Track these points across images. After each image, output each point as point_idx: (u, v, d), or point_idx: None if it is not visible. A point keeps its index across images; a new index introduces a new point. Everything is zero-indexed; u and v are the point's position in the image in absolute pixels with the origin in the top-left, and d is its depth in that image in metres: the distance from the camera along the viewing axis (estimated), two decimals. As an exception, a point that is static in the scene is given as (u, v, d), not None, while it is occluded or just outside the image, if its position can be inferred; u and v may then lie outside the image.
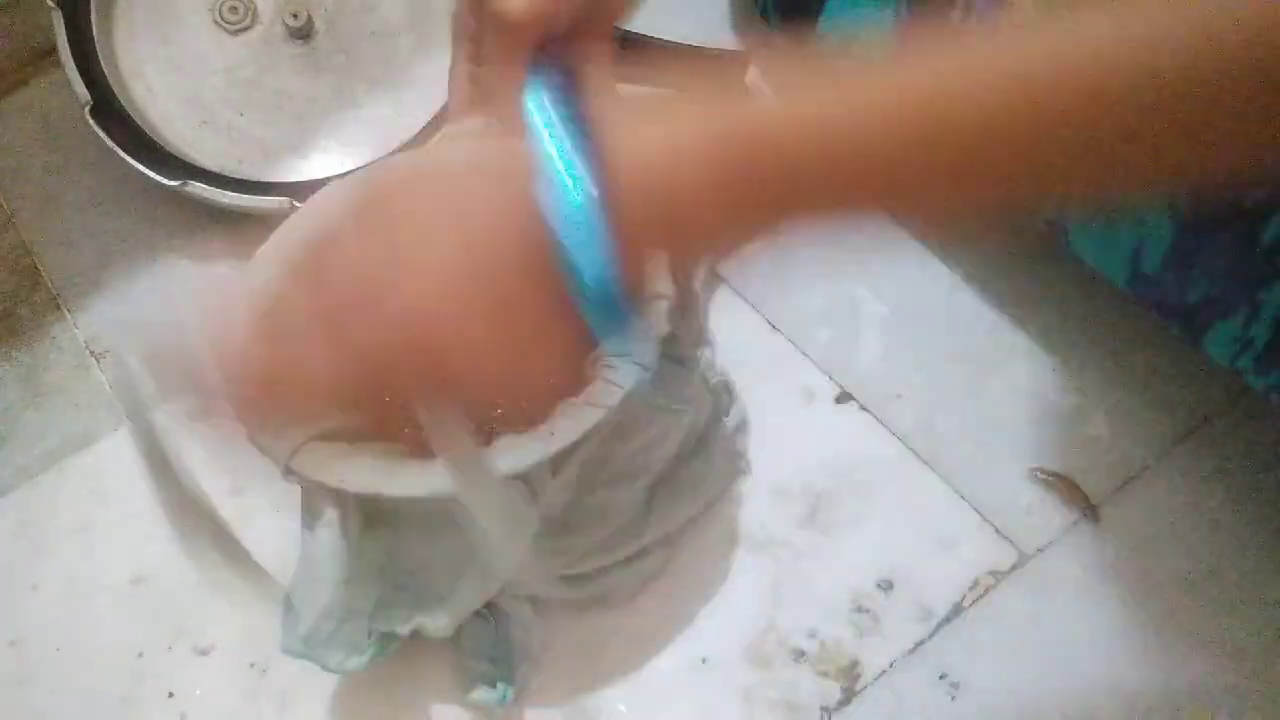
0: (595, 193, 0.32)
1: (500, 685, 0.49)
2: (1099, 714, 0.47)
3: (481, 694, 0.49)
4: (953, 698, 0.49)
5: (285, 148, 0.70)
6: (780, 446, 0.56)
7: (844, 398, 0.58)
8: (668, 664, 0.50)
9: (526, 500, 0.42)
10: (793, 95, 0.32)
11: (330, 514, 0.44)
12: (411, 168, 0.45)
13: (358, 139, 0.70)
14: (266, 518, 0.46)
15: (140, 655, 0.54)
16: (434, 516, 0.44)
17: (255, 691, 0.52)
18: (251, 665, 0.53)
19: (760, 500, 0.55)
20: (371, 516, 0.44)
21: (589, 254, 0.32)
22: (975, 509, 0.54)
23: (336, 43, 0.71)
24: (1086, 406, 0.56)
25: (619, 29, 0.67)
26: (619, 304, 0.34)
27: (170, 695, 0.53)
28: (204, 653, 0.54)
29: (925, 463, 0.55)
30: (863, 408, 0.57)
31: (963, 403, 0.57)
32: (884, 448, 0.56)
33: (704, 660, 0.50)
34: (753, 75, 0.70)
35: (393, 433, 0.53)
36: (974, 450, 0.55)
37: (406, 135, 0.68)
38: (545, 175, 0.32)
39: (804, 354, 0.59)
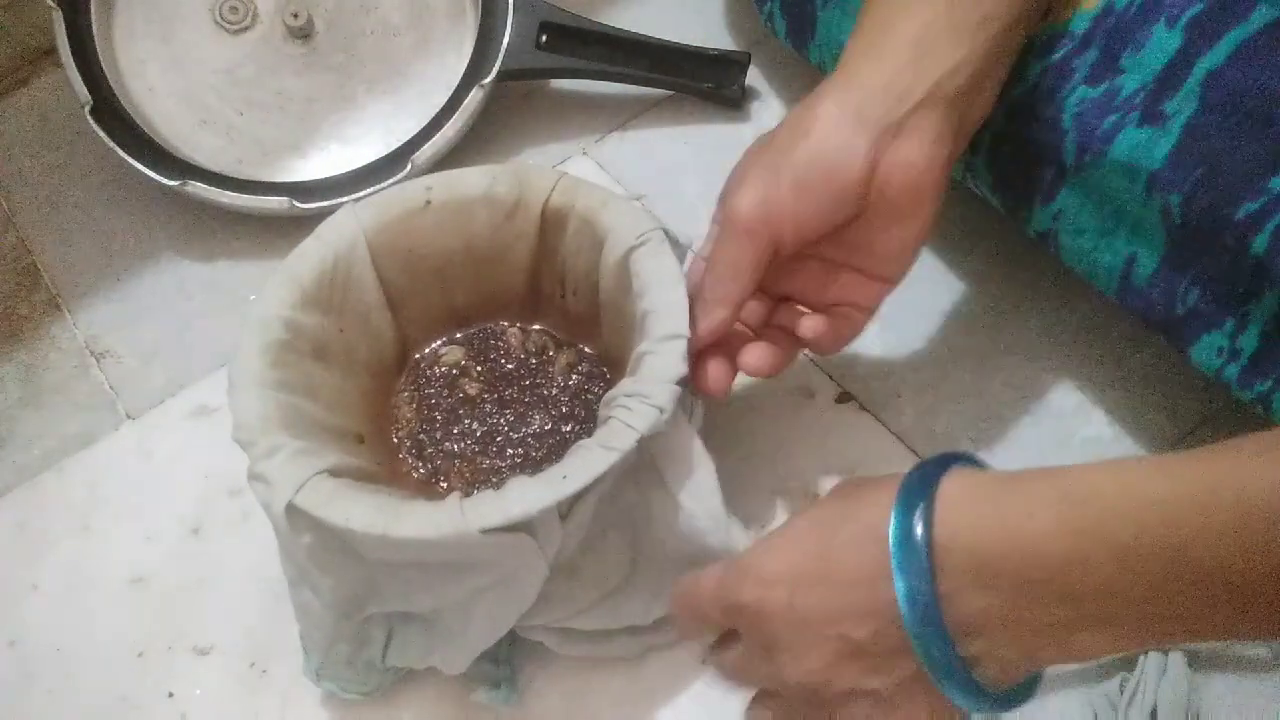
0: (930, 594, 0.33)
1: (503, 685, 0.49)
2: (1099, 714, 0.47)
3: (484, 694, 0.49)
4: (953, 697, 0.49)
5: (285, 148, 0.70)
6: (780, 446, 0.56)
7: (844, 398, 0.58)
8: (668, 663, 0.50)
9: (536, 545, 0.42)
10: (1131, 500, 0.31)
11: (315, 553, 0.43)
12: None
13: (358, 139, 0.70)
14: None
15: (140, 655, 0.54)
16: (442, 558, 0.42)
17: (255, 691, 0.52)
18: (251, 665, 0.53)
19: (761, 500, 0.55)
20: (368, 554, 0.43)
21: (936, 648, 0.33)
22: (975, 509, 0.54)
23: (336, 43, 0.71)
24: (1086, 406, 0.56)
25: (619, 30, 0.68)
26: (973, 688, 0.34)
27: (170, 695, 0.53)
28: (204, 653, 0.54)
29: (925, 463, 0.55)
30: (863, 408, 0.57)
31: (963, 403, 0.57)
32: (884, 448, 0.56)
33: (704, 660, 0.50)
34: (752, 76, 0.70)
35: (400, 475, 0.52)
36: (974, 450, 0.55)
37: (406, 135, 0.68)
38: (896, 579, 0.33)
39: (804, 354, 0.59)
